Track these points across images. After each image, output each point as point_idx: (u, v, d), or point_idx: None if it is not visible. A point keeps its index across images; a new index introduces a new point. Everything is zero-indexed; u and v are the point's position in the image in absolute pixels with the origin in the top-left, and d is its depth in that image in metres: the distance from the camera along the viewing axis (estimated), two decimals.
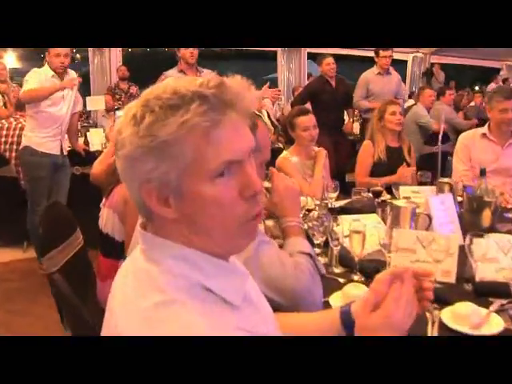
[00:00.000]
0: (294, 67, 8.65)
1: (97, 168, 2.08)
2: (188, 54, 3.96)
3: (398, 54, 10.45)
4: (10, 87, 5.04)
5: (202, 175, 0.71)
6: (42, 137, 3.53)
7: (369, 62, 5.68)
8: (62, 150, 3.67)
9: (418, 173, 2.77)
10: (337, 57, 5.71)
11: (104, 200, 1.85)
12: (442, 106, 5.79)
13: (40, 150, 3.53)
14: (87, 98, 5.39)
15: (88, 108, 5.50)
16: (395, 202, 1.90)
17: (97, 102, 5.43)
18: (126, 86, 6.87)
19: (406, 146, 3.23)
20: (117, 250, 1.78)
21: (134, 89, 6.89)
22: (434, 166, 3.06)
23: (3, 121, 4.21)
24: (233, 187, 0.74)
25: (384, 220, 1.98)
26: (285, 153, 3.00)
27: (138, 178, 0.73)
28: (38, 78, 3.42)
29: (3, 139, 4.22)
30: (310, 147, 2.96)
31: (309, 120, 2.90)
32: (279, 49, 8.58)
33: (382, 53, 5.14)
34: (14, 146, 4.03)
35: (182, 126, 0.69)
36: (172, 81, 0.75)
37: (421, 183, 2.64)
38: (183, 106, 0.70)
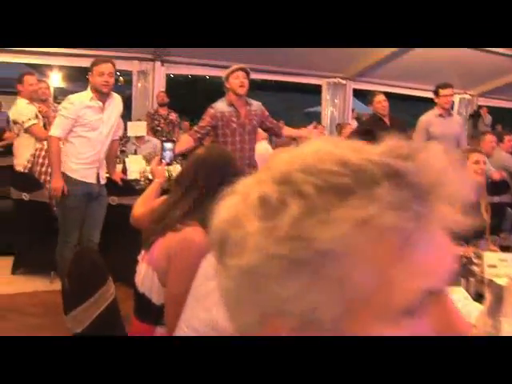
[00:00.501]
0: (338, 102, 8.39)
1: (138, 210, 1.81)
2: (238, 83, 3.69)
3: None
4: (51, 107, 4.92)
5: (382, 313, 0.40)
6: (78, 163, 3.30)
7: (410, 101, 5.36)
8: (98, 178, 3.42)
9: (501, 235, 2.39)
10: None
11: (143, 253, 1.57)
12: (500, 152, 5.41)
13: (74, 177, 3.29)
14: (128, 123, 5.24)
15: (129, 134, 5.30)
16: (495, 279, 1.55)
17: (138, 128, 5.23)
18: (165, 111, 6.69)
19: (484, 201, 2.87)
20: (153, 315, 1.49)
21: (173, 115, 6.73)
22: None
23: (44, 142, 4.01)
24: (427, 330, 0.42)
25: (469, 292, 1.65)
26: None
27: (262, 306, 0.42)
28: (73, 108, 3.22)
29: (40, 160, 4.08)
30: None
31: None
32: (324, 82, 8.35)
33: (442, 91, 4.78)
34: (49, 170, 3.79)
35: (361, 226, 0.38)
36: (323, 142, 0.44)
37: (503, 248, 2.27)
38: (361, 190, 0.39)
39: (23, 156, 4.26)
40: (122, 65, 6.46)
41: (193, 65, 7.30)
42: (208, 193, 1.45)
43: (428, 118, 4.88)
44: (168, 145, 2.67)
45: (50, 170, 3.76)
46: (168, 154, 2.63)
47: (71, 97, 3.36)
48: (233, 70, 3.73)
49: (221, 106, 3.76)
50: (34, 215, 3.95)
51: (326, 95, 8.39)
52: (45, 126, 4.30)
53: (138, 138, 5.41)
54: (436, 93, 4.85)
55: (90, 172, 3.35)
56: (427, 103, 6.45)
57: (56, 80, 8.07)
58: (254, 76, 8.63)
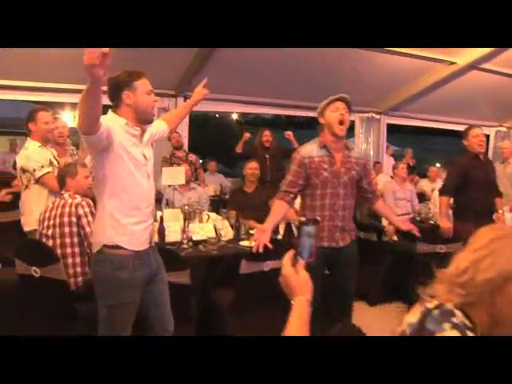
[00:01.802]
0: (372, 138, 7.77)
1: None
2: (337, 118, 2.84)
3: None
4: (68, 152, 4.17)
5: None
6: (131, 223, 2.29)
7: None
8: (151, 242, 2.45)
9: None
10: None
11: None
12: None
13: (129, 248, 2.27)
14: (164, 169, 4.35)
15: (164, 182, 4.32)
16: None
17: (176, 175, 4.21)
18: (182, 154, 6.09)
19: None
20: None
21: (192, 156, 6.14)
22: None
23: (57, 199, 3.17)
24: None
25: None
26: None
27: None
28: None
29: (51, 222, 3.03)
30: None
31: None
32: (357, 117, 7.76)
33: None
34: (57, 232, 2.99)
35: None
36: None
37: None
38: None
39: (33, 213, 3.38)
40: None
41: (218, 100, 6.69)
42: None
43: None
44: (309, 229, 1.31)
45: (57, 231, 2.97)
46: (308, 245, 1.30)
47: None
48: (331, 100, 2.90)
49: (309, 149, 2.93)
50: (45, 298, 2.89)
51: (359, 131, 7.79)
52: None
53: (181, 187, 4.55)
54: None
55: (145, 237, 2.37)
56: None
57: (69, 120, 7.49)
58: (276, 111, 8.14)
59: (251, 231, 3.75)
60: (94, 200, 2.73)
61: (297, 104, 7.24)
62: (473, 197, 3.28)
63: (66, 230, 3.00)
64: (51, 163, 3.50)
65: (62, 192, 3.19)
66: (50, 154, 3.56)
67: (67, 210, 3.03)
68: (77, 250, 3.02)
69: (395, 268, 4.36)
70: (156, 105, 2.40)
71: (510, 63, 6.47)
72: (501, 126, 9.65)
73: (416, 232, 3.04)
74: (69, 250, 3.01)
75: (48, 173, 3.42)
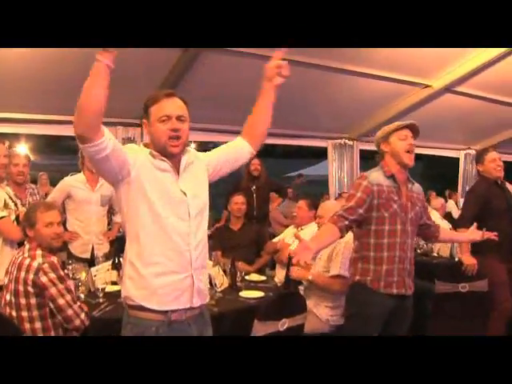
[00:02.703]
0: (345, 165, 7.51)
1: None
2: (404, 147, 2.61)
3: (447, 151, 9.62)
4: (28, 191, 3.57)
5: None
6: (152, 274, 1.82)
7: None
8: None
9: None
10: None
11: None
12: None
13: (151, 308, 1.79)
14: None
15: None
16: None
17: None
18: None
19: None
20: None
21: None
22: None
23: (19, 252, 2.58)
24: None
25: None
26: None
27: None
28: None
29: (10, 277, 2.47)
30: None
31: None
32: (330, 144, 7.50)
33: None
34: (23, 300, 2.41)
35: None
36: None
37: None
38: None
39: None
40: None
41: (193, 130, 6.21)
42: None
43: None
44: None
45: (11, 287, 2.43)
46: None
47: None
48: (399, 125, 2.65)
49: (376, 176, 2.60)
50: None
51: (331, 157, 7.52)
52: (17, 219, 2.97)
53: None
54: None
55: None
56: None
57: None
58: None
59: (247, 277, 3.31)
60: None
61: (272, 132, 6.90)
62: (494, 227, 2.99)
63: (21, 288, 2.42)
64: (6, 205, 2.98)
65: (25, 243, 2.59)
66: (4, 193, 3.05)
67: (23, 275, 2.41)
68: (35, 313, 2.42)
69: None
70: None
71: (484, 85, 6.39)
72: (469, 148, 9.63)
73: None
74: (24, 314, 2.42)
75: (2, 218, 2.89)
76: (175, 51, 4.50)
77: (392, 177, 2.60)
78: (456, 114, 7.32)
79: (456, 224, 3.94)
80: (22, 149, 7.20)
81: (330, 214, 2.74)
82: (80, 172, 4.16)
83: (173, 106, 1.86)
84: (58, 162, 16.04)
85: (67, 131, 5.32)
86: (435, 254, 4.74)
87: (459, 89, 6.52)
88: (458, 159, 9.72)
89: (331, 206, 3.51)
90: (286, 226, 4.94)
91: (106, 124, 5.25)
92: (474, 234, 2.88)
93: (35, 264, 2.42)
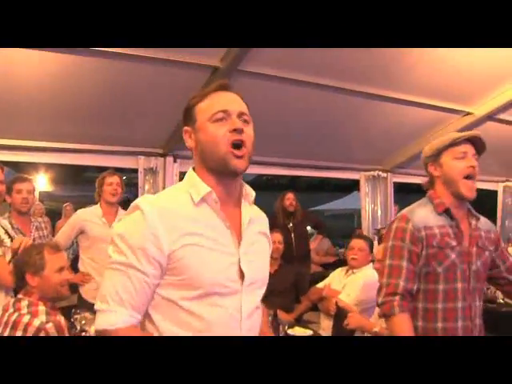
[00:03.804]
0: (379, 199, 7.05)
1: None
2: (463, 171, 1.93)
3: (485, 183, 9.11)
4: (34, 224, 3.21)
5: None
6: None
7: None
8: None
9: None
10: None
11: None
12: None
13: None
14: None
15: None
16: None
17: None
18: None
19: None
20: None
21: None
22: None
23: (10, 306, 2.11)
24: None
25: None
26: None
27: None
28: None
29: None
30: None
31: None
32: (362, 176, 7.07)
33: None
34: None
35: None
36: None
37: None
38: None
39: None
40: (124, 162, 5.16)
41: None
42: None
43: None
44: None
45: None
46: None
47: None
48: (455, 139, 1.92)
49: (423, 214, 1.90)
50: None
51: (364, 190, 7.07)
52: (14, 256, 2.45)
53: None
54: None
55: None
56: None
57: (42, 183, 6.64)
58: (275, 171, 7.41)
59: (290, 331, 2.83)
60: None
61: (298, 163, 6.54)
62: None
63: None
64: (1, 242, 2.56)
65: (20, 296, 2.09)
66: None
67: (19, 335, 1.92)
68: None
69: None
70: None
71: None
72: (507, 180, 9.12)
73: None
74: None
75: None
76: (203, 74, 4.16)
77: (446, 212, 1.90)
78: (494, 144, 6.85)
79: None
80: (40, 179, 6.95)
81: None
82: (96, 204, 3.79)
83: (232, 99, 1.33)
84: (82, 194, 15.91)
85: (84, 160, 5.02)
86: (500, 301, 4.07)
87: (502, 116, 6.09)
88: (495, 192, 9.20)
89: None
90: (321, 265, 4.48)
91: (127, 154, 4.84)
92: None
93: (36, 323, 1.95)
